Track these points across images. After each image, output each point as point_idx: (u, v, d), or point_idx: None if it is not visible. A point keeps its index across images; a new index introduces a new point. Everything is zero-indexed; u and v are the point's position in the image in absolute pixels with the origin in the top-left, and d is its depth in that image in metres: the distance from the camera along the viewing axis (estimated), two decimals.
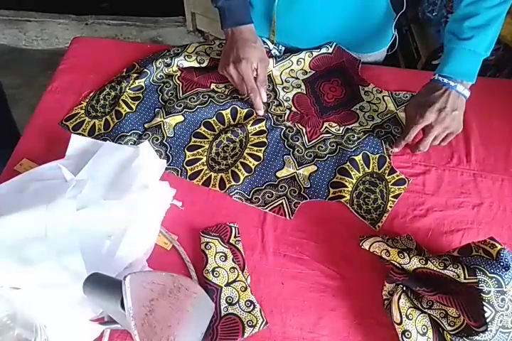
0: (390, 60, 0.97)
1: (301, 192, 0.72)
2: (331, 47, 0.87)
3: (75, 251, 0.57)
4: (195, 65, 0.85)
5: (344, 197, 0.71)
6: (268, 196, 0.72)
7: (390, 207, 0.71)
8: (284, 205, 0.71)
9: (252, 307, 0.62)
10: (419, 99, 0.73)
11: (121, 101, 0.80)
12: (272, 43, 0.88)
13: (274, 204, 0.71)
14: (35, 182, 0.65)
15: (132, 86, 0.82)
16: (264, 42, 0.86)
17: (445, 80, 0.71)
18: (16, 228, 0.58)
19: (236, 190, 0.72)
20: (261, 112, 0.79)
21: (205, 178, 0.74)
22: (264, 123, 0.78)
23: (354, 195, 0.72)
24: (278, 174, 0.74)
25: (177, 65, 0.84)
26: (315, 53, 0.86)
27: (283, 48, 0.88)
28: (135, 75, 0.83)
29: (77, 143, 0.71)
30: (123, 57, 0.89)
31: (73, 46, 0.92)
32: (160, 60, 0.83)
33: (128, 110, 0.79)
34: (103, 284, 0.52)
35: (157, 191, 0.67)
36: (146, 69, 0.82)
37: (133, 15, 2.07)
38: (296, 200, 0.71)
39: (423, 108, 0.71)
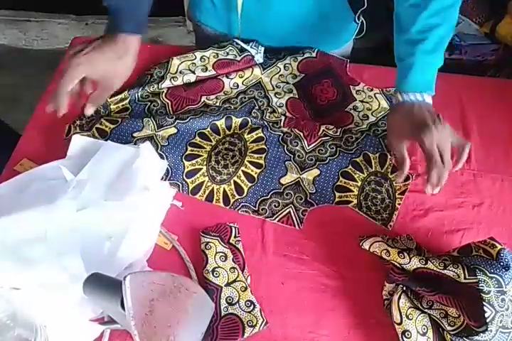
0: (389, 59, 0.97)
1: (307, 199, 0.71)
2: (313, 52, 0.87)
3: (75, 252, 0.57)
4: (182, 83, 0.83)
5: (351, 202, 0.71)
6: (275, 205, 0.71)
7: (399, 204, 0.71)
8: (292, 214, 0.70)
9: (252, 307, 0.62)
10: (402, 128, 0.68)
11: (104, 120, 0.76)
12: (244, 42, 0.86)
13: (282, 214, 0.70)
14: (35, 182, 0.65)
15: (117, 110, 0.79)
16: (244, 49, 0.84)
17: (417, 97, 0.68)
18: (16, 228, 0.58)
19: (242, 204, 0.71)
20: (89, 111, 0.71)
21: (207, 192, 0.72)
22: (260, 130, 0.78)
23: (361, 198, 0.72)
24: (282, 181, 0.73)
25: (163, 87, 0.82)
26: (299, 58, 0.86)
27: (262, 49, 0.86)
28: (118, 99, 0.80)
29: (78, 143, 0.71)
30: None
31: (73, 46, 0.92)
32: (146, 87, 0.80)
33: (112, 126, 0.75)
34: (103, 284, 0.52)
35: (157, 192, 0.67)
36: (128, 94, 0.80)
37: None
38: (303, 208, 0.71)
39: (420, 131, 0.65)
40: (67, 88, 0.66)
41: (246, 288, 0.63)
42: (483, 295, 0.52)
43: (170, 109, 0.81)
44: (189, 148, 0.75)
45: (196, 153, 0.75)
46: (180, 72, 0.83)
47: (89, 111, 0.71)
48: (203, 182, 0.73)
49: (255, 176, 0.73)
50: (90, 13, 2.04)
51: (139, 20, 0.69)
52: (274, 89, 0.84)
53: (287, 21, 0.83)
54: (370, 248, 0.64)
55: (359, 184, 0.73)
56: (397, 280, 0.61)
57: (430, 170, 0.65)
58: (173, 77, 0.82)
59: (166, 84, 0.82)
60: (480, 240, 0.58)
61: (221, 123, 0.78)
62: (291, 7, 0.80)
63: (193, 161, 0.74)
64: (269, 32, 0.86)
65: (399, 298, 0.59)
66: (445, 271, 0.56)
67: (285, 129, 0.78)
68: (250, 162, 0.74)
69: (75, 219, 0.60)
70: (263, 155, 0.75)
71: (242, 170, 0.74)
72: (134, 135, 0.75)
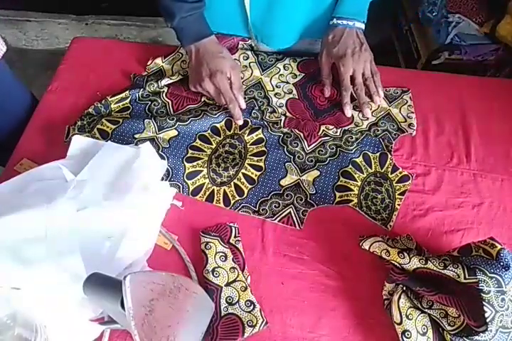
0: (390, 59, 0.97)
1: (307, 199, 0.72)
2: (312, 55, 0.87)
3: (75, 252, 0.57)
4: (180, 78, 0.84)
5: (352, 201, 0.71)
6: (275, 206, 0.71)
7: (398, 204, 0.71)
8: (293, 214, 0.70)
9: (252, 307, 0.62)
10: (330, 49, 0.80)
11: (105, 120, 0.77)
12: (252, 48, 0.88)
13: (283, 214, 0.70)
14: (35, 182, 0.65)
15: (118, 109, 0.80)
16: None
17: (344, 22, 0.79)
18: (16, 228, 0.58)
19: (242, 204, 0.71)
20: (240, 122, 0.78)
21: (208, 193, 0.72)
22: (260, 131, 0.78)
23: (361, 198, 0.72)
24: (282, 182, 0.73)
25: (164, 85, 0.83)
26: (299, 59, 0.87)
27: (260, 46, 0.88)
28: (119, 98, 0.81)
29: (79, 143, 0.71)
30: (123, 57, 0.89)
31: (73, 46, 0.92)
32: (147, 87, 0.82)
33: (113, 127, 0.76)
34: (103, 284, 0.52)
35: (157, 192, 0.67)
36: (129, 94, 0.81)
37: (133, 15, 2.06)
38: (304, 208, 0.71)
39: (340, 59, 0.78)
40: (232, 96, 0.77)
41: (246, 288, 0.63)
42: (483, 295, 0.52)
43: (170, 108, 0.81)
44: (190, 151, 0.76)
45: (197, 156, 0.75)
46: (177, 73, 0.84)
47: (243, 103, 0.80)
48: (203, 184, 0.73)
49: (255, 178, 0.73)
50: (90, 13, 2.03)
51: (206, 22, 0.80)
52: (274, 90, 0.84)
53: (298, 14, 0.82)
54: (370, 248, 0.64)
55: (359, 184, 0.73)
56: (397, 280, 0.61)
57: (341, 89, 0.80)
58: (170, 76, 0.84)
59: (165, 80, 0.83)
60: (480, 240, 0.58)
61: (221, 125, 0.79)
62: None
63: (194, 163, 0.74)
64: (279, 28, 0.85)
65: (399, 298, 0.59)
66: (445, 270, 0.56)
67: (285, 130, 0.78)
68: (250, 164, 0.75)
69: (74, 219, 0.60)
70: (263, 158, 0.75)
71: (243, 173, 0.74)
72: (136, 136, 0.76)
